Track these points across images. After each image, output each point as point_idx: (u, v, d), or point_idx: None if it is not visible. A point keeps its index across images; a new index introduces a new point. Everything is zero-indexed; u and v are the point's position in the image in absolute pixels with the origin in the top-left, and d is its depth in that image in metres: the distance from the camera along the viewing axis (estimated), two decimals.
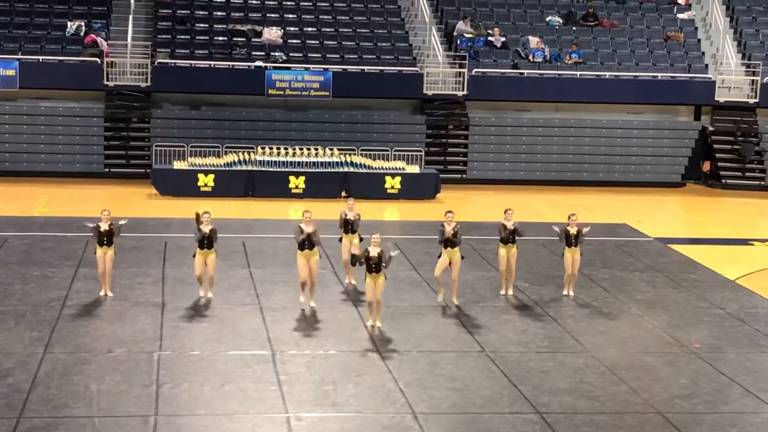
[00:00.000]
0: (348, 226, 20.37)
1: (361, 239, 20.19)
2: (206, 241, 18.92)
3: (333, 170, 31.68)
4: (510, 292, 20.36)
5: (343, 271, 21.01)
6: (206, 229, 18.90)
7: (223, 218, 28.13)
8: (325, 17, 37.50)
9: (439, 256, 19.42)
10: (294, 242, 18.90)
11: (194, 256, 19.11)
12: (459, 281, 19.71)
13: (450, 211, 19.56)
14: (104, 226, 19.03)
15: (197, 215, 19.09)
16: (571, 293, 20.48)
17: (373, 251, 17.41)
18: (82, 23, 35.47)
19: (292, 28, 36.87)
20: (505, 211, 20.20)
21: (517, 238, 20.06)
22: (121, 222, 19.42)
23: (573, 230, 20.15)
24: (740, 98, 36.94)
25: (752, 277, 23.12)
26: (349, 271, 20.75)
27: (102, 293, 19.31)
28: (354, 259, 18.15)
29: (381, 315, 17.94)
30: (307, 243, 18.60)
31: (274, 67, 34.47)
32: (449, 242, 19.25)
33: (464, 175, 35.58)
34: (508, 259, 20.16)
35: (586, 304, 20.05)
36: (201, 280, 19.27)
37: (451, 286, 19.53)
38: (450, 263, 19.35)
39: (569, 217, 20.33)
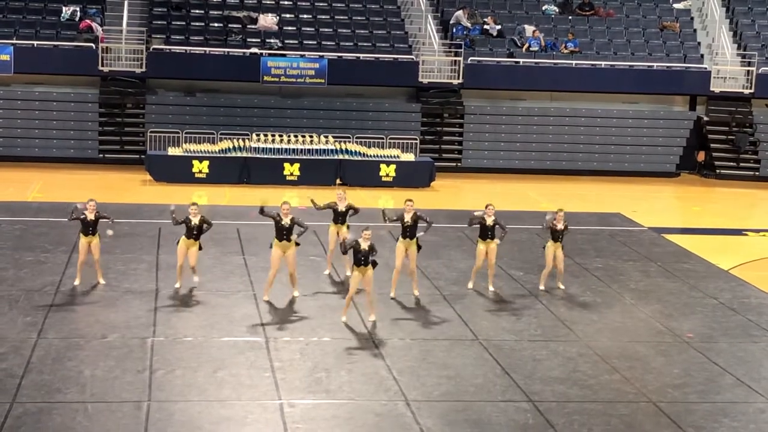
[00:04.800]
0: (338, 217, 20.25)
1: (348, 227, 20.07)
2: (195, 232, 18.81)
3: (328, 158, 31.65)
4: (491, 288, 19.93)
5: (340, 260, 20.89)
6: (195, 220, 18.80)
7: (217, 205, 28.15)
8: (321, 4, 37.42)
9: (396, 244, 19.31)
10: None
11: (177, 242, 19.06)
12: (417, 272, 19.55)
13: (410, 200, 19.40)
14: (90, 216, 18.90)
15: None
16: (561, 285, 20.25)
17: (364, 244, 17.31)
18: (77, 8, 35.36)
19: (287, 15, 36.79)
20: (486, 206, 19.79)
21: (498, 232, 19.72)
22: (109, 232, 19.48)
23: (560, 226, 19.94)
24: (735, 89, 36.94)
25: (745, 267, 23.16)
26: (331, 259, 20.69)
27: (77, 282, 19.07)
28: (343, 247, 17.98)
29: (375, 306, 17.76)
30: (286, 233, 18.44)
31: (270, 54, 34.39)
32: (407, 232, 19.11)
33: (459, 164, 35.55)
34: (487, 254, 19.81)
35: (579, 293, 20.06)
36: (182, 268, 19.12)
37: (412, 276, 19.43)
38: (407, 253, 19.23)
39: (557, 212, 20.03)
